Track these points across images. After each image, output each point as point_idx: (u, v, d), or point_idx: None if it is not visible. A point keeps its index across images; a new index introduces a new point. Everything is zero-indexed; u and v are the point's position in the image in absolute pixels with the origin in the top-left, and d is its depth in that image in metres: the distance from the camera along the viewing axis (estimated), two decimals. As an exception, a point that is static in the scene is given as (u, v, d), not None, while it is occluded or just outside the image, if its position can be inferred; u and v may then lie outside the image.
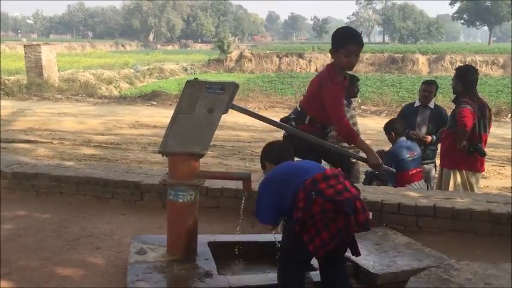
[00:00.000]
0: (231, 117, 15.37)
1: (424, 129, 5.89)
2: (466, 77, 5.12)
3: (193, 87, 3.01)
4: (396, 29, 77.05)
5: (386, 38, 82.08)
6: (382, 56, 38.91)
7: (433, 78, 6.71)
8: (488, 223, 3.86)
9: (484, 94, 20.51)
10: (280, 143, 3.26)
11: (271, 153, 3.05)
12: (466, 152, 4.92)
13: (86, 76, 23.24)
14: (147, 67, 31.29)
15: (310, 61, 39.74)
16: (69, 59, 36.71)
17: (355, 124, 5.72)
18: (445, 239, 3.88)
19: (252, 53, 40.95)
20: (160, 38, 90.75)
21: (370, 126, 13.78)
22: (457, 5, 65.95)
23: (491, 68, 36.19)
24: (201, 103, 3.02)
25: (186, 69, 34.87)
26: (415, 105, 5.99)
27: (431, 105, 5.94)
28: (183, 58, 44.07)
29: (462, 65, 5.98)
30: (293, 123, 3.61)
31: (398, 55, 38.65)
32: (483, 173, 5.14)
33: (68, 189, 4.73)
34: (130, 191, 4.62)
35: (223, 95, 3.02)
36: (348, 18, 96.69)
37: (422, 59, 37.70)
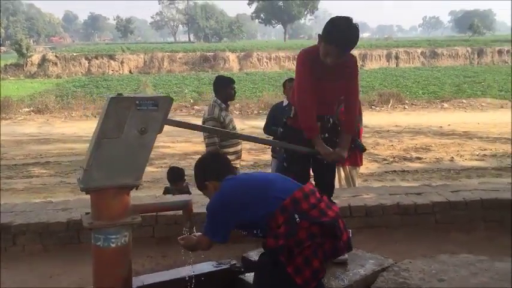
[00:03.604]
0: (56, 128, 13.94)
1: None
2: None
3: (119, 104, 2.43)
4: (201, 28, 78.89)
5: (192, 37, 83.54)
6: (195, 55, 39.40)
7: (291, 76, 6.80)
8: (397, 216, 4.00)
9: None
10: (214, 155, 2.81)
11: (210, 170, 2.60)
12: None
13: None
14: None
15: (122, 62, 38.24)
16: None
17: (234, 128, 5.52)
18: (363, 238, 3.90)
19: (56, 56, 37.72)
20: None
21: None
22: (255, 5, 70.43)
23: (293, 63, 39.40)
24: (131, 123, 2.46)
25: (-22, 76, 30.48)
26: (284, 104, 6.02)
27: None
28: (-29, 63, 38.38)
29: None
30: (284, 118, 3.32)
31: (210, 53, 39.54)
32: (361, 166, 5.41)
33: None
34: (-4, 236, 3.68)
35: (156, 112, 2.51)
36: (152, 17, 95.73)
37: (232, 57, 39.18)
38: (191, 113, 15.84)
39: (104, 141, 2.44)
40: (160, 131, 2.58)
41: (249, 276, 3.07)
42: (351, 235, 2.49)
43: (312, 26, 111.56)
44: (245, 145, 7.51)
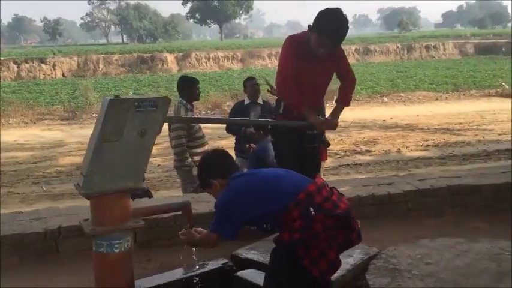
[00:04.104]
0: (-5, 136, 13.15)
1: (259, 125, 6.03)
2: None
3: (118, 106, 2.38)
4: (134, 29, 77.20)
5: (125, 38, 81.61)
6: (132, 56, 38.53)
7: (252, 75, 6.94)
8: (373, 206, 4.15)
9: (231, 87, 22.39)
10: (219, 153, 2.80)
11: (214, 167, 2.59)
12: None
13: None
14: None
15: (54, 66, 36.75)
16: None
17: (200, 128, 5.49)
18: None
19: (-18, 61, 35.66)
20: None
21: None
22: (189, 5, 69.92)
23: (232, 62, 39.47)
24: (131, 126, 2.42)
25: None
26: (245, 103, 6.07)
27: (260, 100, 6.11)
28: None
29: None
30: (272, 115, 3.35)
31: (147, 55, 38.79)
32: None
33: None
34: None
35: (155, 113, 2.48)
36: (82, 18, 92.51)
37: (170, 58, 38.67)
38: (137, 116, 15.52)
39: (104, 145, 2.38)
40: (159, 132, 2.56)
41: (245, 274, 3.10)
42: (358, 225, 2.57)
43: (247, 25, 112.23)
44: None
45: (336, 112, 3.43)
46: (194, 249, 2.79)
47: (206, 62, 39.01)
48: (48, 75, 35.93)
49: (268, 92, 6.10)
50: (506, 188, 4.26)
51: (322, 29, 3.08)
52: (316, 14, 3.17)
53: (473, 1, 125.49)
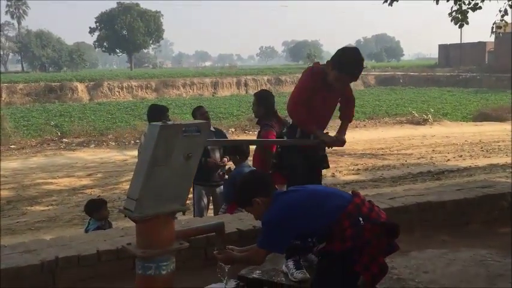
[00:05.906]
0: None
1: (217, 154, 6.15)
2: (265, 101, 5.62)
3: (168, 131, 2.46)
4: (36, 57, 73.64)
5: (26, 67, 77.50)
6: (38, 85, 36.70)
7: (201, 104, 7.10)
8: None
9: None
10: (260, 173, 3.00)
11: (257, 186, 2.71)
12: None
13: None
14: None
15: None
16: None
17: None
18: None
19: None
20: None
21: (89, 159, 13.08)
22: (96, 33, 68.22)
23: (146, 92, 38.97)
24: (178, 150, 2.50)
25: None
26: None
27: (212, 128, 6.25)
28: None
29: (259, 90, 6.49)
30: (285, 137, 3.47)
31: (55, 84, 37.16)
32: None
33: None
34: None
35: (199, 138, 2.58)
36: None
37: (81, 87, 37.39)
38: (61, 147, 14.86)
39: (155, 169, 2.43)
40: (200, 156, 2.65)
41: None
42: None
43: (156, 55, 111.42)
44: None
45: (343, 129, 3.70)
46: (226, 268, 2.86)
47: (119, 92, 38.17)
48: None
49: None
50: (465, 203, 4.75)
51: (343, 67, 3.34)
52: (335, 52, 3.44)
53: (370, 36, 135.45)
